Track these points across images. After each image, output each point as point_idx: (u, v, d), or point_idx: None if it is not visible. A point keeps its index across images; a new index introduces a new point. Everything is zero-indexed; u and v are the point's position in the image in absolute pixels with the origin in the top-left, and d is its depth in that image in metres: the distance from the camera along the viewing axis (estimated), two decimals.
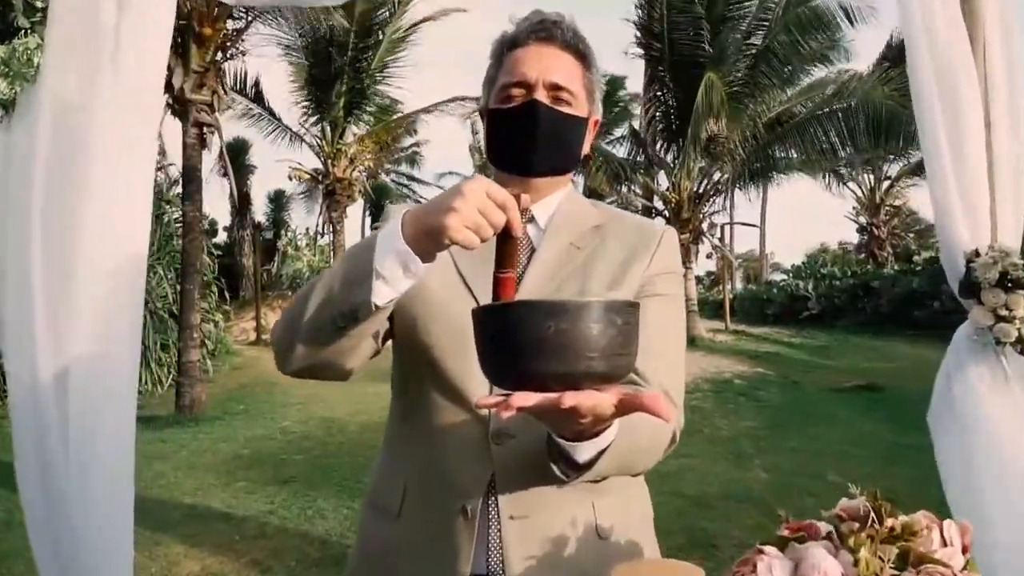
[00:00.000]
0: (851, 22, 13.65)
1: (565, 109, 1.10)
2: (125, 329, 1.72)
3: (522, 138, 1.09)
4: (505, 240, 0.87)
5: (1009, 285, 1.65)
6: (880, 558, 0.76)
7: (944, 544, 0.79)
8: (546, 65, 1.09)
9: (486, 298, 1.06)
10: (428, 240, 0.86)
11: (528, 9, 1.17)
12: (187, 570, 3.74)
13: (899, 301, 14.13)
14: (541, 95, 1.08)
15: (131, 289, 1.75)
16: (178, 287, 8.10)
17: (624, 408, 0.75)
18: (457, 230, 0.82)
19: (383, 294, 0.90)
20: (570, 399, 0.70)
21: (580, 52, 1.13)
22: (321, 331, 0.96)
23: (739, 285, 26.81)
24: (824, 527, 0.85)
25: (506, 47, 1.14)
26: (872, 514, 0.81)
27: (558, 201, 1.18)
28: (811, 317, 16.75)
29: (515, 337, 0.72)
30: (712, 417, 7.13)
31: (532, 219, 1.15)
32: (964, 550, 0.79)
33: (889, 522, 0.80)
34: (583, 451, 0.87)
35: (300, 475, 5.43)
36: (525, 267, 1.11)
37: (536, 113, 1.08)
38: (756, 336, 14.15)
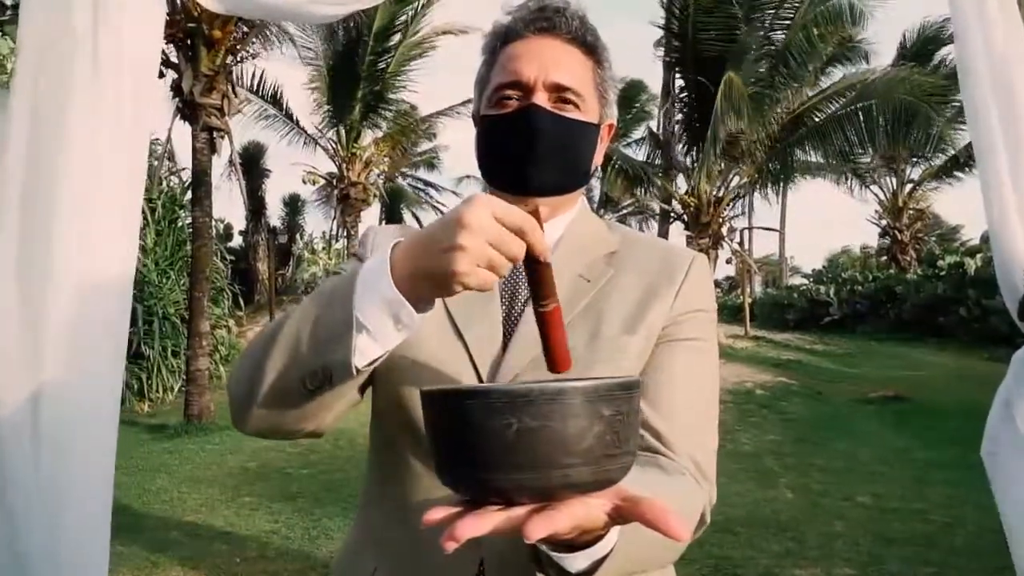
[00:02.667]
0: (854, 20, 13.39)
1: (570, 114, 0.90)
2: (103, 349, 1.58)
3: (519, 150, 0.89)
4: (534, 266, 0.68)
5: None
6: None
7: None
8: (547, 61, 0.89)
9: (478, 350, 0.88)
10: (428, 286, 0.67)
11: None
12: None
13: (923, 307, 13.74)
14: (541, 98, 0.88)
15: (114, 305, 1.62)
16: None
17: (621, 518, 0.56)
18: (469, 275, 0.63)
19: (367, 352, 0.70)
20: (538, 528, 0.50)
21: (589, 45, 0.92)
22: (287, 396, 0.76)
23: (758, 289, 26.40)
24: None
25: (500, 41, 0.93)
26: None
27: (565, 224, 0.97)
28: (832, 323, 16.37)
29: (465, 438, 0.53)
30: (734, 431, 6.88)
31: None
32: None
33: None
34: (576, 561, 0.65)
35: (306, 491, 5.27)
36: (524, 305, 0.92)
37: (534, 120, 0.87)
38: (777, 343, 13.80)
